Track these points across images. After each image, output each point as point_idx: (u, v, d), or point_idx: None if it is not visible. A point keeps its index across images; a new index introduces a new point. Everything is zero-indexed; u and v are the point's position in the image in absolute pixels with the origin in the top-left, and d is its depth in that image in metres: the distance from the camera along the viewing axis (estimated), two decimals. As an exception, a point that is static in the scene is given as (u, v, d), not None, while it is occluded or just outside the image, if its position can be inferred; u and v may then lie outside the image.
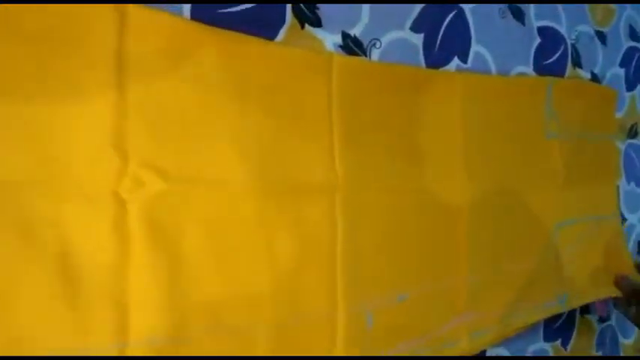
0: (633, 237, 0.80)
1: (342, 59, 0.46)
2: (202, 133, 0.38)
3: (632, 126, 0.82)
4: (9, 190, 0.31)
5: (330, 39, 0.47)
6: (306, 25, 0.46)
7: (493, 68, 0.60)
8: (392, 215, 0.49)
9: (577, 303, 0.67)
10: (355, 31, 0.49)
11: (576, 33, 0.71)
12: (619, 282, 0.69)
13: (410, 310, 0.49)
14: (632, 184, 0.80)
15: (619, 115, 0.79)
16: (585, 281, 0.68)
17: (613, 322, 0.76)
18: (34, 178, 0.32)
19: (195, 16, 0.39)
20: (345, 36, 0.48)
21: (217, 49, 0.39)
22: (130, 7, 0.34)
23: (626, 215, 0.79)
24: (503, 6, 0.61)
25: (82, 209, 0.33)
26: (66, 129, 0.33)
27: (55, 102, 0.32)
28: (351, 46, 0.48)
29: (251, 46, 0.41)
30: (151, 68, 0.36)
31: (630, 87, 0.81)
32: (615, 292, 0.69)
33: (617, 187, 0.78)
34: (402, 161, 0.50)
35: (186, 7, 0.39)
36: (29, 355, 0.31)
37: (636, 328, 0.76)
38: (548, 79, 0.66)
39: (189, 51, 0.37)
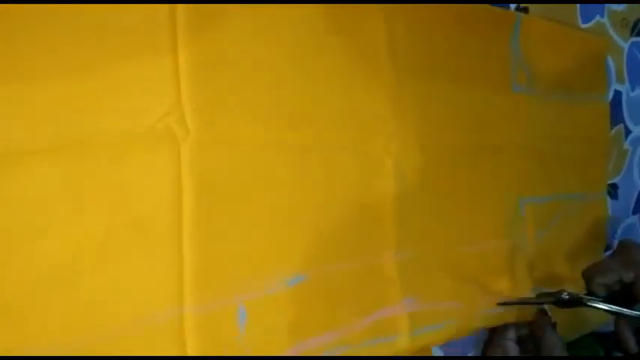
0: (638, 152, 0.68)
1: None
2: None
3: (638, 21, 0.68)
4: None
5: None
6: None
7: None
8: (278, 174, 0.36)
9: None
10: None
11: None
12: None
13: (309, 296, 0.37)
14: (638, 89, 0.68)
15: (620, 8, 0.66)
16: (559, 279, 0.55)
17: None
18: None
19: None
20: None
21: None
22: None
23: (631, 127, 0.67)
24: None
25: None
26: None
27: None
28: None
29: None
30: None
31: (635, -28, 0.67)
32: None
33: (608, 159, 0.64)
34: (291, 113, 0.37)
35: None
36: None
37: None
38: (515, 14, 0.52)
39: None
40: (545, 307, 0.50)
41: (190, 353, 0.31)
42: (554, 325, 0.49)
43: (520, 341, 0.49)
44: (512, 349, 0.47)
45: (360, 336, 0.39)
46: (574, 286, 0.50)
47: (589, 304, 0.46)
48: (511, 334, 0.49)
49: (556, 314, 0.56)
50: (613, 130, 0.65)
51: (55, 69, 0.28)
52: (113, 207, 0.29)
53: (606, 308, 0.46)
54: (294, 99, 0.37)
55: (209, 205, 0.32)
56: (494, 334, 0.50)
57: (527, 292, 0.52)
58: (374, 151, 0.41)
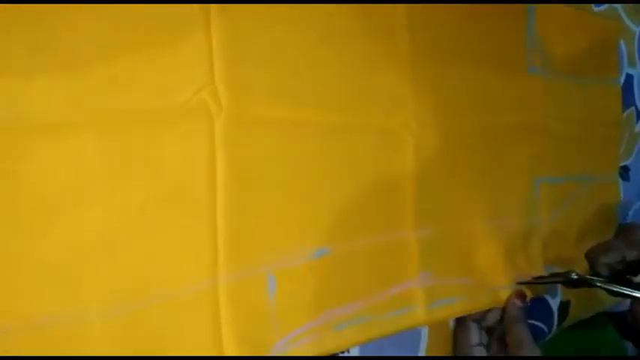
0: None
1: None
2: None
3: (650, 5, 0.68)
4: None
5: None
6: None
7: None
8: (303, 151, 0.37)
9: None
10: None
11: None
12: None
13: (332, 268, 0.38)
14: (650, 73, 0.68)
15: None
16: (571, 260, 0.55)
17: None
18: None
19: None
20: None
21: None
22: None
23: (644, 111, 0.68)
24: None
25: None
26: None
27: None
28: None
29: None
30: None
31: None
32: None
33: (620, 142, 0.65)
34: (316, 93, 0.38)
35: None
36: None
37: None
38: (528, 7, 0.53)
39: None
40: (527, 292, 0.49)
41: (224, 320, 0.32)
42: (526, 317, 0.47)
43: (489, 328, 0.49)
44: (473, 328, 0.47)
45: (382, 307, 0.40)
46: (585, 267, 0.51)
47: (596, 284, 0.47)
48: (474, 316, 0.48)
49: (570, 293, 0.57)
50: (624, 114, 0.65)
51: (93, 51, 0.29)
52: (150, 179, 0.30)
53: (615, 289, 0.46)
54: (318, 80, 0.38)
55: (240, 180, 0.33)
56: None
57: (541, 272, 0.52)
58: (395, 130, 0.42)
